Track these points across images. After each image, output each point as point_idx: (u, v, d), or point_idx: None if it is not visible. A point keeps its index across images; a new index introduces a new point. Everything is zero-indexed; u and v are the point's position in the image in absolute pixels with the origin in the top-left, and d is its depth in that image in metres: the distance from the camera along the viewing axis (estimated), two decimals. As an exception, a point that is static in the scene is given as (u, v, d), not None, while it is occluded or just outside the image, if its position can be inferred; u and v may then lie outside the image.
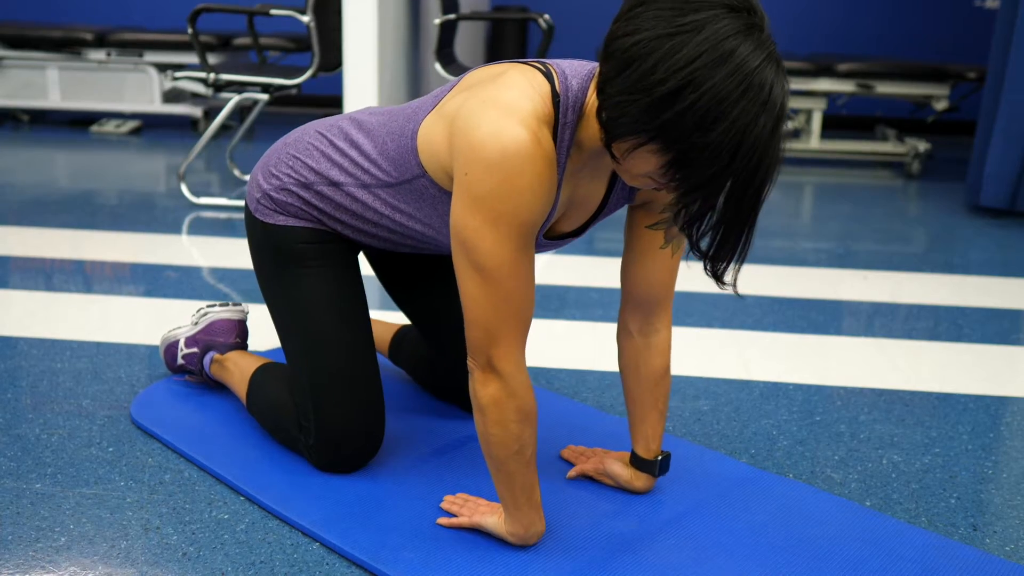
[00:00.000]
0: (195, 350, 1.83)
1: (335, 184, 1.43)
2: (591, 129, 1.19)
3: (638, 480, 1.49)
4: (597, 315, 2.42)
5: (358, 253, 1.58)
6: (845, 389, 1.98)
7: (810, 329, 2.35)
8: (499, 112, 1.12)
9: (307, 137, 1.48)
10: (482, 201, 1.13)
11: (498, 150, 1.11)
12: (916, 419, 1.84)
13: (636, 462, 1.49)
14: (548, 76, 1.18)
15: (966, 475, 1.62)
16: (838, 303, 2.58)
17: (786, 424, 1.80)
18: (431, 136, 1.26)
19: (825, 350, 2.21)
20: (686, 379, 2.01)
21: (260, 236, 1.51)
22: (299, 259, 1.49)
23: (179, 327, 1.89)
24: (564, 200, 1.29)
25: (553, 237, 1.35)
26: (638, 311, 1.42)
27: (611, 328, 2.31)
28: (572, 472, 1.54)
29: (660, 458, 1.48)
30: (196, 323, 1.85)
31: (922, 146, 4.54)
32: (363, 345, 1.51)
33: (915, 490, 1.57)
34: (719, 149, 1.00)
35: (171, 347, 1.88)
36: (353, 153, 1.41)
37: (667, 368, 1.45)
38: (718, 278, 1.11)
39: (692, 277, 2.78)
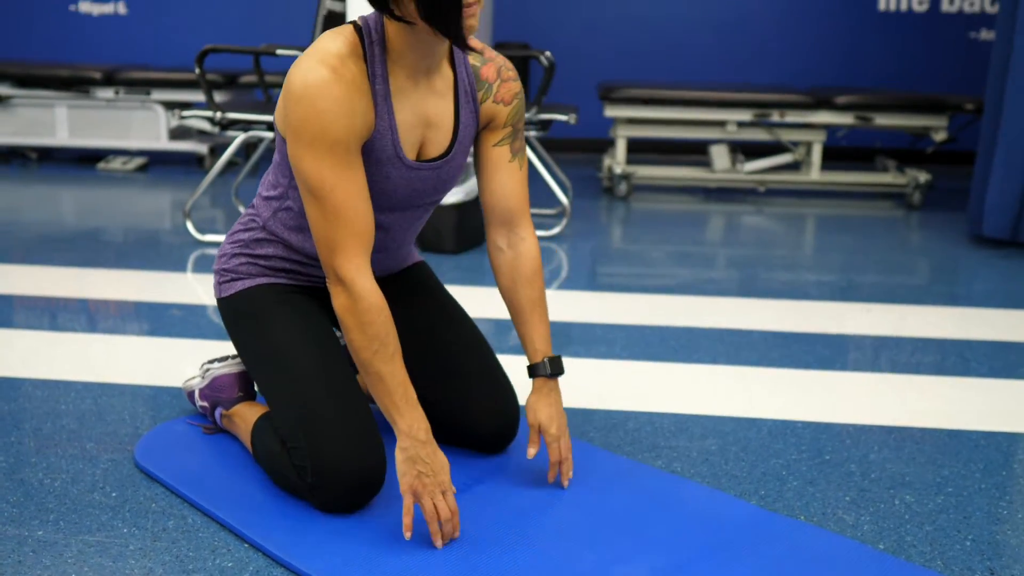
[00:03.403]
0: (206, 404, 1.81)
1: (262, 227, 1.62)
2: (395, 41, 1.39)
3: (541, 413, 1.55)
4: (601, 352, 2.38)
5: (320, 303, 1.68)
6: (854, 426, 1.94)
7: (816, 364, 2.32)
8: (305, 59, 1.35)
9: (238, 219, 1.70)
10: (297, 131, 1.34)
11: (300, 85, 1.33)
12: (927, 457, 1.81)
13: (531, 374, 1.58)
14: (354, 23, 1.41)
15: (980, 515, 1.59)
16: (843, 337, 2.55)
17: (795, 464, 1.77)
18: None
19: (832, 386, 2.17)
20: (692, 417, 1.98)
21: (228, 310, 1.64)
22: (264, 312, 1.59)
23: (193, 377, 1.87)
24: (411, 120, 1.45)
25: (427, 160, 1.50)
26: (503, 226, 1.59)
27: (617, 365, 2.28)
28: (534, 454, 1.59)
29: (548, 359, 1.57)
30: (203, 377, 1.83)
31: (922, 177, 4.53)
32: (343, 377, 1.53)
33: (929, 532, 1.53)
34: None
35: (191, 396, 1.87)
36: (263, 190, 1.62)
37: (538, 269, 1.60)
38: (460, 39, 1.32)
39: (698, 313, 2.75)
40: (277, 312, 1.59)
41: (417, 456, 1.38)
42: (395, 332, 1.39)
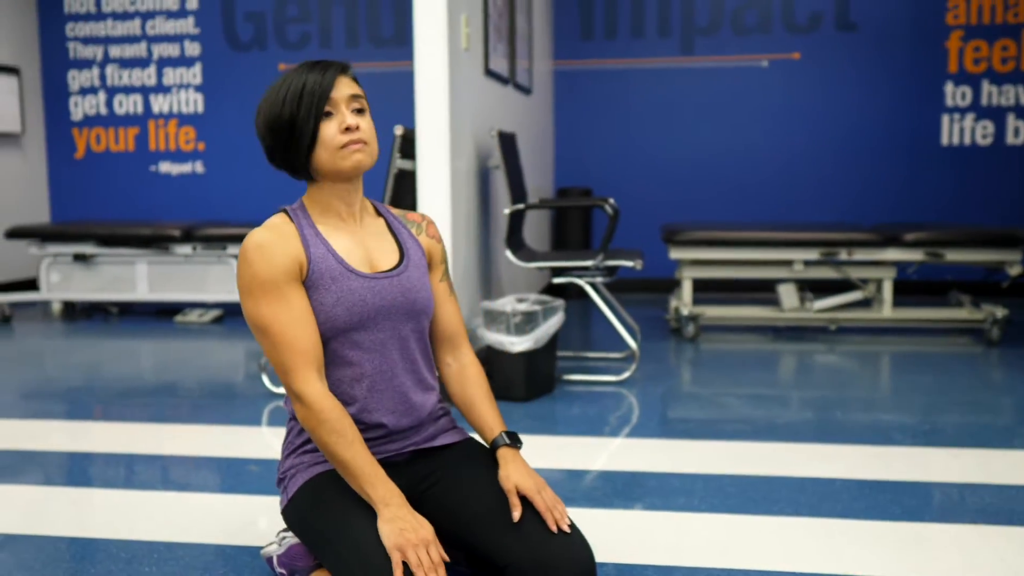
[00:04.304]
0: (284, 572, 1.84)
1: (295, 418, 1.78)
2: (315, 199, 1.73)
3: (513, 476, 1.67)
4: (679, 504, 2.37)
5: None
6: (949, 584, 1.88)
7: (904, 516, 2.26)
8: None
9: None
10: (239, 283, 1.66)
11: (241, 250, 1.65)
12: (1030, 618, 1.74)
13: (493, 448, 1.75)
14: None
15: None
16: (929, 485, 2.49)
17: (890, 625, 1.72)
18: None
19: (923, 539, 2.12)
20: (779, 575, 1.94)
21: (291, 513, 1.75)
22: (320, 500, 1.68)
23: (271, 543, 1.91)
24: (349, 244, 1.72)
25: (381, 272, 1.74)
26: (448, 346, 1.88)
27: (696, 518, 2.26)
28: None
29: (504, 432, 1.75)
30: (280, 544, 1.88)
31: (1000, 312, 4.47)
32: None
33: None
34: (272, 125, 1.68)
35: (269, 562, 1.90)
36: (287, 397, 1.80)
37: (481, 373, 1.86)
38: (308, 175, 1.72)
39: (776, 460, 2.72)
40: (333, 497, 1.67)
41: (396, 517, 1.55)
42: (351, 422, 1.62)
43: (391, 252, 1.78)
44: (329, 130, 1.65)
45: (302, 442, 1.78)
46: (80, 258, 5.46)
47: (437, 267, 1.87)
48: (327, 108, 1.65)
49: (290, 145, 1.66)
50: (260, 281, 1.63)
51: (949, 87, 5.98)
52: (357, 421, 1.71)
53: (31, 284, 6.23)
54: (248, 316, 1.66)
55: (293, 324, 1.63)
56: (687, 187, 6.31)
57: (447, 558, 1.56)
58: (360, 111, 1.69)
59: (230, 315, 5.67)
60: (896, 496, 2.40)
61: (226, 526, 2.25)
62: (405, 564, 1.51)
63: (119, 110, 6.58)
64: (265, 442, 2.99)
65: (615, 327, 3.84)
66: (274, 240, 1.65)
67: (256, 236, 1.66)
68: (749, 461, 2.71)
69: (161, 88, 6.52)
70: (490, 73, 4.16)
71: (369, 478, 1.59)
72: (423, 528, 1.55)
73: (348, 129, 1.65)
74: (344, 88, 1.67)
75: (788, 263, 4.71)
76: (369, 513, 1.61)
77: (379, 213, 1.84)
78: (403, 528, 1.53)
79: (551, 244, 6.27)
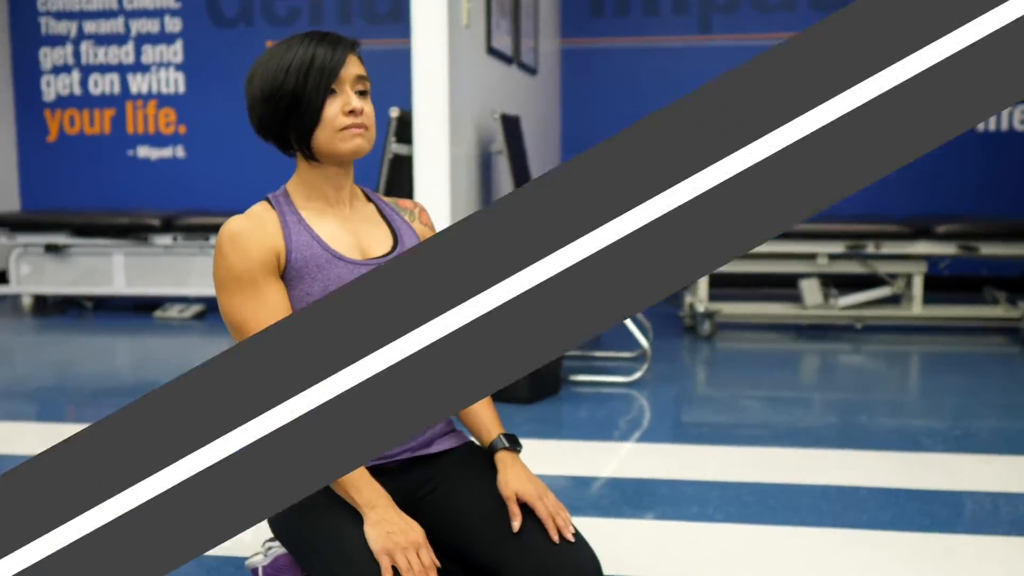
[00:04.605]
0: None
1: None
2: (303, 181, 1.73)
3: (513, 482, 1.65)
4: (693, 513, 2.37)
5: None
6: (981, 599, 1.89)
7: (934, 526, 2.27)
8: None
9: None
10: (214, 274, 1.65)
11: (218, 237, 1.64)
12: (1067, 635, 1.75)
13: (492, 453, 1.72)
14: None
15: None
16: (961, 494, 2.50)
17: (917, 643, 1.72)
18: None
19: (954, 551, 2.12)
20: (799, 588, 1.95)
21: (280, 522, 1.74)
22: (310, 507, 1.66)
23: (257, 553, 1.92)
24: (338, 230, 1.71)
25: (373, 258, 1.73)
26: None
27: (711, 529, 2.27)
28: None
29: (502, 435, 1.73)
30: (265, 555, 1.89)
31: (1037, 310, 4.48)
32: None
33: None
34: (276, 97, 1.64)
35: (254, 572, 1.91)
36: None
37: None
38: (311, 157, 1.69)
39: (796, 467, 2.73)
40: (321, 506, 1.66)
41: (383, 520, 1.54)
42: None
43: (384, 238, 1.79)
44: (331, 110, 1.65)
45: None
46: (52, 249, 5.47)
47: None
48: (332, 86, 1.65)
49: (288, 119, 1.66)
50: (235, 274, 1.63)
51: (985, 68, 5.98)
52: None
53: (0, 276, 6.25)
54: (223, 311, 1.66)
55: (269, 321, 1.63)
56: (703, 175, 6.31)
57: (438, 563, 1.57)
58: (363, 93, 1.70)
59: (213, 310, 5.68)
60: (925, 505, 2.41)
61: (209, 535, 2.26)
62: (395, 569, 1.51)
63: (94, 90, 6.59)
64: (250, 445, 3.00)
65: (625, 324, 3.84)
66: (250, 229, 1.65)
67: (231, 225, 1.66)
68: (768, 468, 2.72)
69: (139, 67, 6.53)
70: (493, 52, 4.17)
71: (352, 481, 1.59)
72: (412, 531, 1.55)
73: (352, 112, 1.65)
74: (352, 68, 1.67)
75: (811, 257, 4.71)
76: (359, 521, 1.62)
77: (369, 199, 1.85)
78: (391, 531, 1.54)
79: (557, 235, 6.28)
